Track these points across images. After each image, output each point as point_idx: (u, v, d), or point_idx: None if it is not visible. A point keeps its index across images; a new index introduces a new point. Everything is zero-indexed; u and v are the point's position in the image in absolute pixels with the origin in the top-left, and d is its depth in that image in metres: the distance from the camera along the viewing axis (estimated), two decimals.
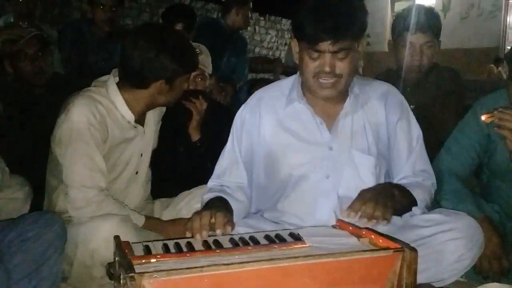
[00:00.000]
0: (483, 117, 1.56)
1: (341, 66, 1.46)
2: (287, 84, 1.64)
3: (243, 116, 1.64)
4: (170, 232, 1.72)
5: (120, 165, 1.80)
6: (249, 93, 2.18)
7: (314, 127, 1.56)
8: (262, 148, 1.60)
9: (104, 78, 1.81)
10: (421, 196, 1.50)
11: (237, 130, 1.65)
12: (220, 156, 1.67)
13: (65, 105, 1.71)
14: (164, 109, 2.01)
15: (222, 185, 1.59)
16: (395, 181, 1.59)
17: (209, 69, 2.47)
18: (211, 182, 1.64)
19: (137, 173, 1.88)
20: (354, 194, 1.50)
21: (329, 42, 1.41)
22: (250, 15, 3.70)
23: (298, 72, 1.59)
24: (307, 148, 1.56)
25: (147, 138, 1.88)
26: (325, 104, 1.57)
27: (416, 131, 1.62)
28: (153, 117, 1.93)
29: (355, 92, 1.56)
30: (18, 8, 2.92)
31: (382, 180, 1.57)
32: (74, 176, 1.65)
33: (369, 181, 1.53)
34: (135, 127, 1.80)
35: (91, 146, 1.64)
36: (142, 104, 1.77)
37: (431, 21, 2.21)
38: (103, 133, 1.69)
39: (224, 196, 1.51)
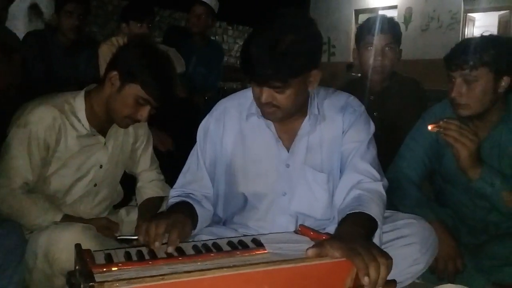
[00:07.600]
0: (429, 127, 1.62)
1: (279, 98, 1.39)
2: (250, 95, 1.59)
3: (208, 126, 1.61)
4: None
5: (76, 172, 1.77)
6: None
7: (273, 144, 1.54)
8: (224, 160, 1.58)
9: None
10: (377, 211, 1.34)
11: (201, 140, 1.62)
12: (184, 166, 1.64)
13: (25, 106, 1.71)
14: (142, 134, 1.98)
15: (187, 193, 1.55)
16: (342, 184, 1.48)
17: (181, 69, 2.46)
18: (175, 191, 1.58)
19: (95, 185, 1.83)
20: (307, 210, 1.52)
21: (263, 84, 1.37)
22: (206, 19, 3.49)
23: None
24: (265, 165, 1.54)
25: (109, 151, 1.84)
26: (284, 121, 1.52)
27: (364, 135, 1.52)
28: (123, 134, 1.89)
29: (314, 113, 1.52)
30: None
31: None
32: None
33: (322, 197, 1.54)
34: (94, 135, 1.77)
35: (21, 148, 1.64)
36: (100, 110, 1.74)
37: (391, 25, 2.34)
38: (50, 138, 1.67)
39: (190, 202, 1.48)
